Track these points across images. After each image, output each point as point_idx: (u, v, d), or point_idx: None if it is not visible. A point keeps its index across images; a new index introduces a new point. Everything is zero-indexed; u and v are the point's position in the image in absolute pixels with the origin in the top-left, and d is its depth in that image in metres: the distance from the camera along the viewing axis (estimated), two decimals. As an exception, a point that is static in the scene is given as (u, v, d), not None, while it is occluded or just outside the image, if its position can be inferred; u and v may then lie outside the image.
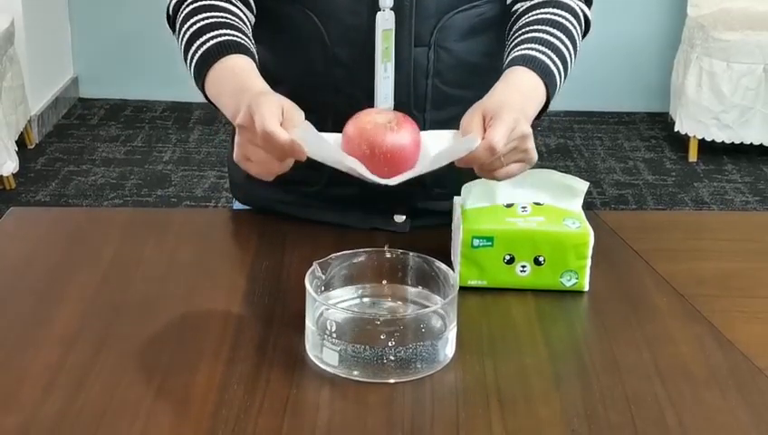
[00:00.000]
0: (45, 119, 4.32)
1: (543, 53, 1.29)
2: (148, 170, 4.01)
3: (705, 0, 4.27)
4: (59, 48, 4.60)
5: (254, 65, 1.28)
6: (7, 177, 3.75)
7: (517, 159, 1.18)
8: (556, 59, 1.30)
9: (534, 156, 1.18)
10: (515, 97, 1.22)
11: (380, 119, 1.14)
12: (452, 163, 1.17)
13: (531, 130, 1.17)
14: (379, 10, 1.32)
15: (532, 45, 1.30)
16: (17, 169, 3.77)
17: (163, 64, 4.53)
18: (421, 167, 1.13)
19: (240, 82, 1.24)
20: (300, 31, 1.38)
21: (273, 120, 1.11)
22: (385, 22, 1.33)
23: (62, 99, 4.53)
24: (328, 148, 1.11)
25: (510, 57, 1.30)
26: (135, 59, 4.68)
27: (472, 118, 1.17)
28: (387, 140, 1.12)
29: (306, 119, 1.42)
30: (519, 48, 1.30)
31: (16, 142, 3.86)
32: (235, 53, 1.27)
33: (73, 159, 4.09)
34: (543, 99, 1.28)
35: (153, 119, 4.54)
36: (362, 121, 1.14)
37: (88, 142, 4.27)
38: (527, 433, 1.00)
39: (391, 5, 1.33)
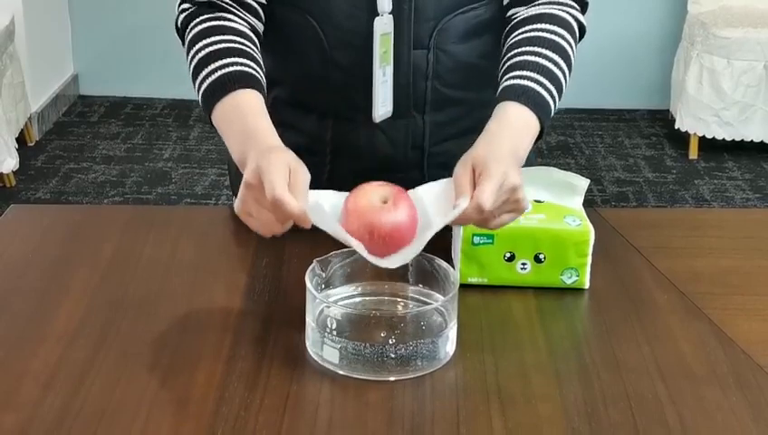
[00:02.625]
0: (45, 116, 4.32)
1: (536, 81, 1.28)
2: (148, 168, 4.01)
3: (705, -3, 4.27)
4: (59, 45, 4.59)
5: (262, 101, 1.26)
6: (7, 174, 3.75)
7: (509, 210, 1.16)
8: (550, 86, 1.29)
9: (526, 205, 1.16)
10: (506, 141, 1.20)
11: (377, 198, 1.12)
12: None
13: (521, 181, 1.14)
14: (378, 15, 1.32)
15: (525, 73, 1.28)
16: (17, 166, 3.77)
17: (163, 62, 4.54)
18: (417, 245, 1.11)
19: (246, 126, 1.22)
20: (298, 34, 1.38)
21: (283, 186, 1.08)
22: (383, 26, 1.32)
23: (63, 96, 4.53)
24: (331, 223, 1.10)
25: (503, 85, 1.29)
26: (135, 56, 4.68)
27: (463, 173, 1.15)
28: (384, 221, 1.10)
29: (305, 120, 1.42)
30: (512, 74, 1.29)
31: (16, 140, 3.86)
32: (243, 86, 1.26)
33: (74, 156, 4.09)
34: (537, 131, 1.26)
35: (153, 116, 4.54)
36: (360, 202, 1.12)
37: (88, 140, 4.27)
38: (527, 431, 1.00)
39: (390, 10, 1.32)
